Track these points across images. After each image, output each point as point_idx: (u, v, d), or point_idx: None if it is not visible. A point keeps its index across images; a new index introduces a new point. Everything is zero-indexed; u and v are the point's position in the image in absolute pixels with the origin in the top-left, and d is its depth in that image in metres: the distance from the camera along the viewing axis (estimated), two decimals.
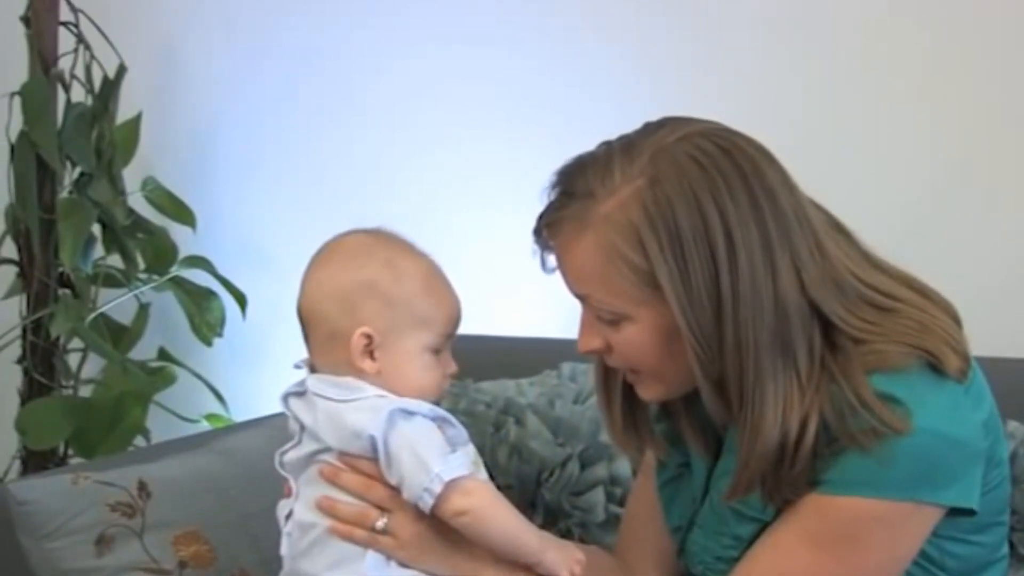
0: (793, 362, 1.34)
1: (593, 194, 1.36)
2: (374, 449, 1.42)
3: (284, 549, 1.50)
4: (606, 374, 1.51)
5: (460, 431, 1.49)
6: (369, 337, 1.45)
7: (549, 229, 1.40)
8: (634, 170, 1.35)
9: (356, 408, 1.44)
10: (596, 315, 1.41)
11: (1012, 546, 1.63)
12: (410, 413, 1.43)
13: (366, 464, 1.44)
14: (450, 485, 1.40)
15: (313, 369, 1.50)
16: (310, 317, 1.49)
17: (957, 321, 1.43)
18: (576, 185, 1.38)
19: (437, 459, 1.41)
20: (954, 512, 1.37)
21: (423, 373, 1.48)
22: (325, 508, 1.46)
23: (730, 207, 1.33)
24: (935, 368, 1.35)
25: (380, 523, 1.45)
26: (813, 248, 1.36)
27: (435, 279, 1.50)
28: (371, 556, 1.46)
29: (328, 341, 1.47)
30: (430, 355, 1.48)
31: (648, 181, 1.34)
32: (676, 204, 1.33)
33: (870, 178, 2.21)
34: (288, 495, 1.51)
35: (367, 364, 1.46)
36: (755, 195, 1.34)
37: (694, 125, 1.39)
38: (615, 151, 1.38)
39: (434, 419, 1.45)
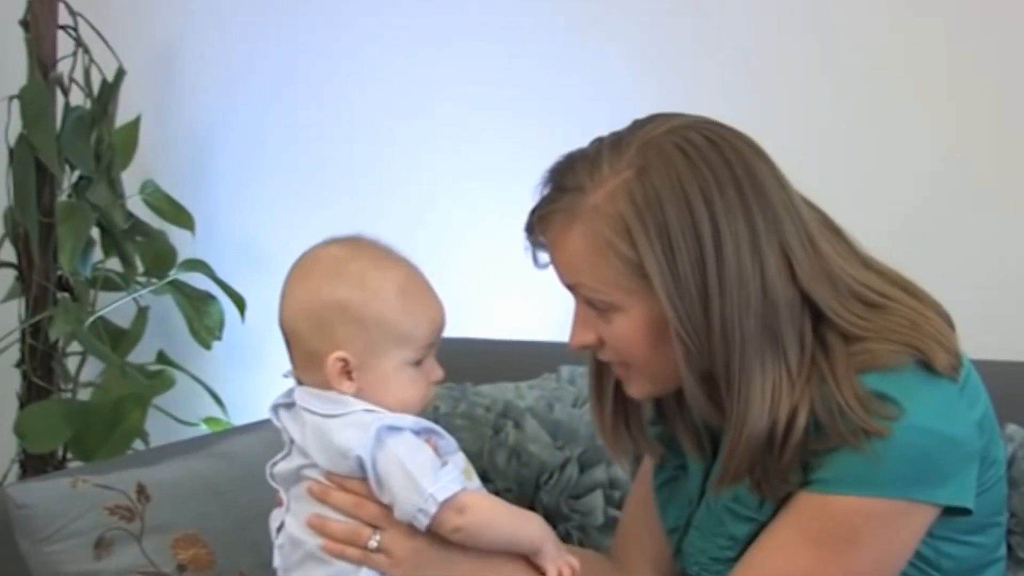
0: (782, 353, 1.34)
1: (582, 187, 1.37)
2: (362, 469, 1.41)
3: (277, 561, 1.49)
4: (599, 375, 1.52)
5: (449, 441, 1.47)
6: (345, 360, 1.43)
7: (540, 223, 1.41)
8: (622, 163, 1.36)
9: (343, 424, 1.42)
10: (587, 304, 1.41)
11: (1010, 549, 1.63)
12: (397, 429, 1.42)
13: (355, 484, 1.43)
14: (445, 504, 1.39)
15: (300, 380, 1.49)
16: (288, 335, 1.48)
17: (948, 321, 1.43)
18: (566, 180, 1.39)
19: (429, 477, 1.39)
20: (949, 512, 1.37)
21: (405, 387, 1.46)
22: (315, 527, 1.45)
23: (717, 197, 1.34)
24: (927, 366, 1.35)
25: (373, 542, 1.44)
26: (804, 240, 1.37)
27: (411, 292, 1.46)
28: (365, 572, 1.45)
29: (306, 360, 1.46)
30: (411, 368, 1.46)
31: (636, 172, 1.35)
32: (663, 194, 1.34)
33: (870, 180, 2.22)
34: (280, 504, 1.50)
35: (346, 385, 1.44)
36: (742, 186, 1.35)
37: (682, 118, 1.40)
38: (604, 146, 1.39)
39: (421, 432, 1.44)
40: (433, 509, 1.38)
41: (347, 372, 1.43)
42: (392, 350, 1.44)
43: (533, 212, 1.41)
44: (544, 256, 1.43)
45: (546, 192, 1.41)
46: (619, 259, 1.35)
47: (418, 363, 1.47)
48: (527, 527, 1.45)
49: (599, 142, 1.40)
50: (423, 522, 1.39)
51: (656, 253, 1.33)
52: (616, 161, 1.36)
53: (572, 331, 1.44)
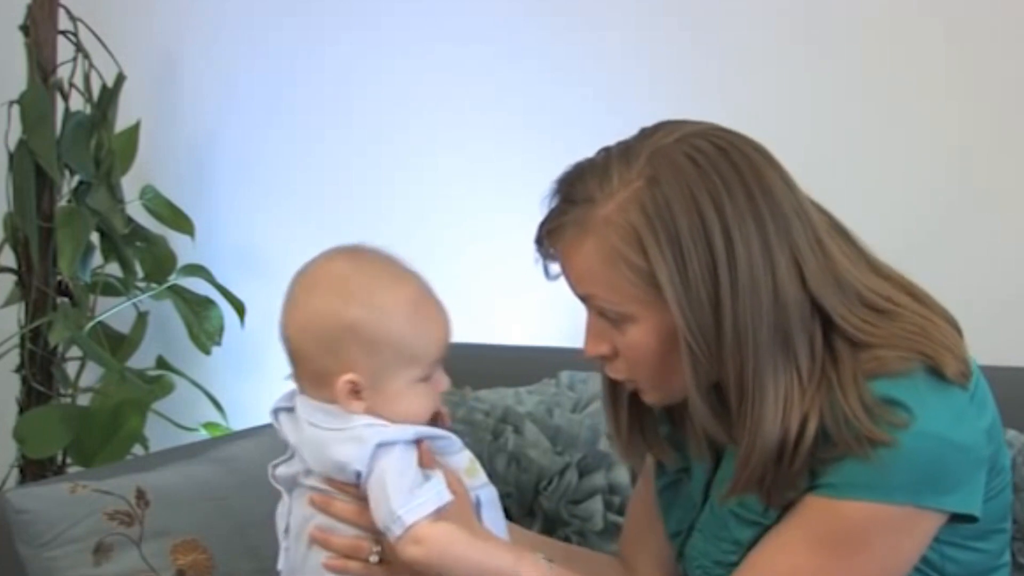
0: (794, 359, 1.34)
1: (592, 199, 1.36)
2: (358, 480, 1.41)
3: (281, 564, 1.49)
4: (613, 382, 1.50)
5: (451, 441, 1.47)
6: (354, 382, 1.42)
7: (550, 236, 1.41)
8: (632, 173, 1.36)
9: (342, 439, 1.41)
10: (600, 315, 1.41)
11: (1012, 554, 1.63)
12: (390, 444, 1.41)
13: (354, 489, 1.43)
14: (407, 530, 1.37)
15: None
16: (295, 353, 1.46)
17: (956, 328, 1.43)
18: (575, 191, 1.38)
19: (403, 496, 1.38)
20: (956, 518, 1.37)
21: (415, 401, 1.45)
22: (318, 539, 1.45)
23: (728, 205, 1.33)
24: (937, 373, 1.35)
25: (374, 556, 1.43)
26: (814, 244, 1.37)
27: (420, 309, 1.45)
28: None
29: (314, 380, 1.44)
30: (420, 384, 1.45)
31: (646, 182, 1.35)
32: (674, 204, 1.33)
33: (875, 185, 2.21)
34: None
35: (355, 405, 1.42)
36: (752, 193, 1.35)
37: (691, 126, 1.40)
38: (613, 156, 1.39)
39: (417, 439, 1.43)
40: (398, 531, 1.37)
41: (356, 393, 1.42)
42: (402, 370, 1.43)
43: (542, 225, 1.41)
44: (555, 268, 1.43)
45: (555, 204, 1.40)
46: (631, 269, 1.35)
47: (426, 379, 1.45)
48: (497, 558, 1.41)
49: (607, 152, 1.40)
50: (391, 540, 1.38)
51: (668, 262, 1.33)
52: (625, 171, 1.36)
53: (586, 341, 1.44)
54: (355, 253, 1.46)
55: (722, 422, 1.39)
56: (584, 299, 1.42)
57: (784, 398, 1.33)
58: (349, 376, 1.41)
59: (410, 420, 1.44)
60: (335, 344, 1.41)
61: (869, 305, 1.39)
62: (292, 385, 1.49)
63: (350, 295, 1.42)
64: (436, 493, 1.39)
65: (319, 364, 1.43)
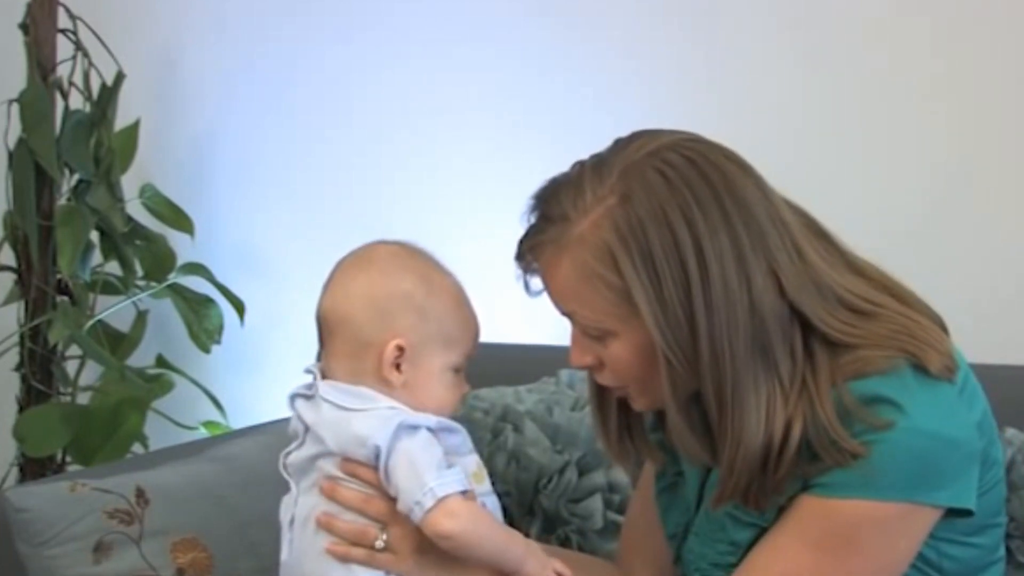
0: (774, 368, 1.34)
1: (567, 216, 1.37)
2: (376, 458, 1.42)
3: (285, 555, 1.50)
4: (600, 386, 1.51)
5: (465, 441, 1.50)
6: (401, 349, 1.45)
7: (531, 253, 1.42)
8: (604, 189, 1.36)
9: (365, 416, 1.44)
10: (583, 331, 1.42)
11: (1010, 552, 1.63)
12: (414, 428, 1.43)
13: (367, 471, 1.44)
14: (440, 502, 1.39)
15: (324, 375, 1.50)
16: (337, 325, 1.48)
17: (941, 325, 1.43)
18: (551, 209, 1.39)
19: (433, 473, 1.41)
20: (951, 513, 1.38)
21: (445, 391, 1.49)
22: (324, 525, 1.46)
23: (699, 219, 1.33)
24: (921, 369, 1.35)
25: (379, 542, 1.45)
26: (791, 251, 1.37)
27: (463, 298, 1.52)
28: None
29: (356, 350, 1.47)
30: (452, 374, 1.50)
31: (618, 199, 1.35)
32: (646, 221, 1.34)
33: (870, 184, 2.22)
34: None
35: (394, 376, 1.46)
36: (724, 203, 1.35)
37: (663, 137, 1.39)
38: (586, 171, 1.39)
39: (438, 429, 1.45)
40: (429, 503, 1.39)
41: (397, 363, 1.46)
42: (441, 350, 1.48)
43: (522, 242, 1.42)
44: (536, 283, 1.44)
45: (533, 221, 1.41)
46: (607, 287, 1.36)
47: (457, 371, 1.50)
48: (513, 544, 1.46)
49: (581, 166, 1.40)
50: (418, 515, 1.40)
51: (642, 280, 1.34)
52: (598, 188, 1.36)
53: (571, 352, 1.45)
54: (403, 243, 1.53)
55: (700, 437, 1.39)
56: (567, 315, 1.43)
57: (766, 407, 1.34)
58: (398, 341, 1.45)
59: (434, 410, 1.47)
60: (387, 311, 1.46)
61: (849, 307, 1.39)
62: (307, 379, 1.50)
63: (406, 268, 1.49)
64: (461, 479, 1.42)
65: (366, 331, 1.46)
